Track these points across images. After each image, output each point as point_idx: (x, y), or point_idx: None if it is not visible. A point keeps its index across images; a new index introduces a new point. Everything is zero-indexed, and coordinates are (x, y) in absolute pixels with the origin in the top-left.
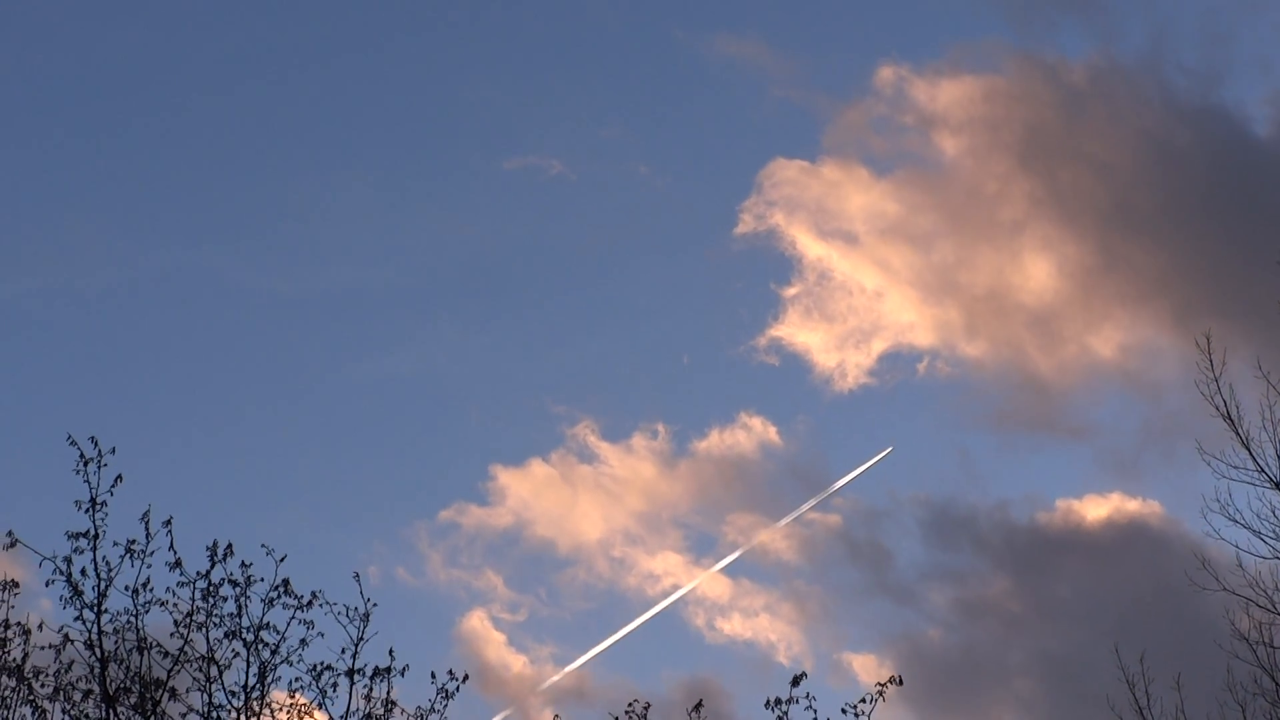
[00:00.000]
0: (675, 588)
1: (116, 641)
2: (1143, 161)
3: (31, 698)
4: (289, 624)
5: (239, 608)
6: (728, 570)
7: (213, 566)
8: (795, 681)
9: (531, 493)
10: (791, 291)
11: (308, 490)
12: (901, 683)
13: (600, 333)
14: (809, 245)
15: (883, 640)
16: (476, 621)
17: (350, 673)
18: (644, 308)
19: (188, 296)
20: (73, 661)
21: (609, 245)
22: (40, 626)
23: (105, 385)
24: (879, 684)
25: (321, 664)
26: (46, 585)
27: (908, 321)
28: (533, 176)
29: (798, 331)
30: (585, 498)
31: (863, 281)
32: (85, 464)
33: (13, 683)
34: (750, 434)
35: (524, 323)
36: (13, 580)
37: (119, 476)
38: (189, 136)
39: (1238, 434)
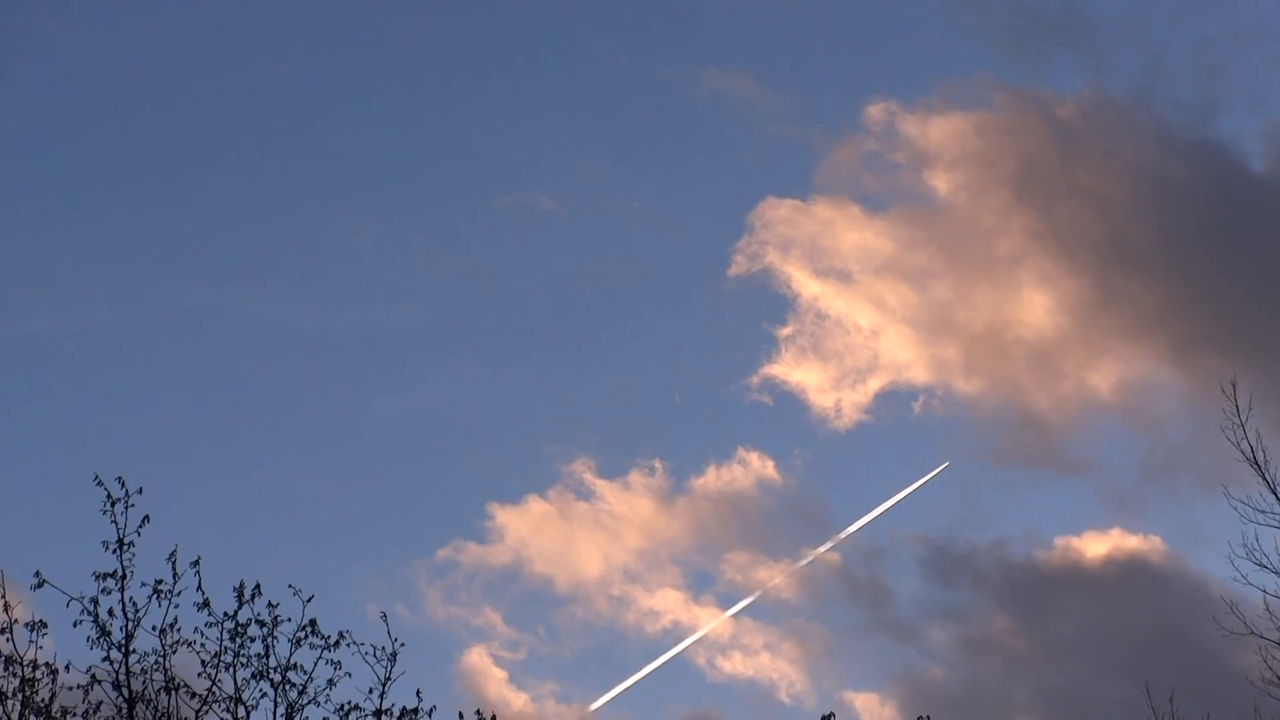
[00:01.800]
0: (676, 624)
1: (144, 682)
2: (1139, 196)
3: None
4: (316, 664)
5: (266, 648)
6: (727, 609)
7: (240, 607)
8: None
9: (530, 530)
10: (786, 331)
11: (306, 528)
12: None
13: (596, 370)
14: (804, 284)
15: (885, 678)
16: (476, 658)
17: (378, 713)
18: (640, 344)
19: (214, 335)
20: (101, 702)
21: (604, 282)
22: (68, 667)
23: (132, 424)
24: None
25: (349, 703)
26: (74, 626)
27: (904, 359)
28: (522, 213)
29: (793, 370)
30: (583, 535)
31: (858, 320)
32: (112, 504)
33: None
34: (748, 470)
35: (519, 360)
36: (41, 621)
37: (146, 517)
38: (218, 180)
39: (1264, 478)
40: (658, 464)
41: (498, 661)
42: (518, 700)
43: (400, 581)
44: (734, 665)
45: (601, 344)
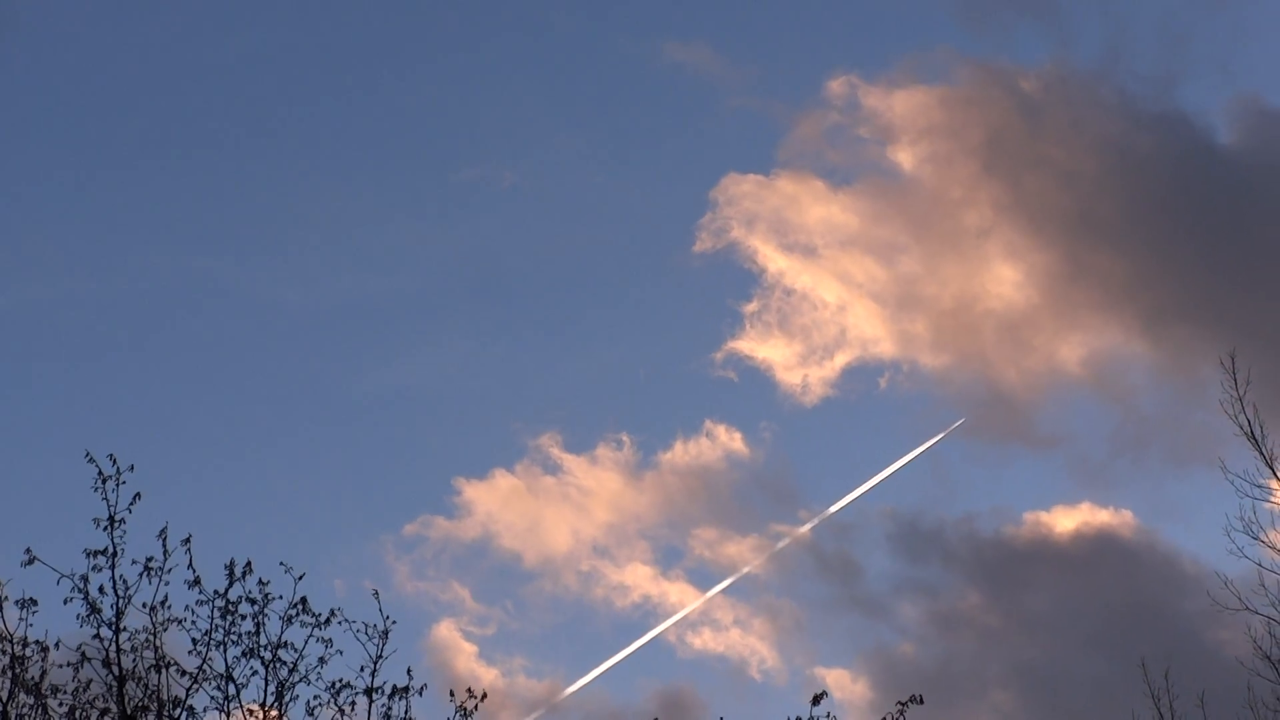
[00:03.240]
0: (645, 599)
1: (134, 660)
2: (1106, 168)
3: (48, 717)
4: (307, 642)
5: (257, 626)
6: (696, 583)
7: (231, 584)
8: (816, 700)
9: (497, 505)
10: (752, 306)
11: (278, 505)
12: (922, 701)
13: (562, 345)
14: (770, 258)
15: (855, 654)
16: (445, 633)
17: (369, 691)
18: (606, 320)
19: (197, 309)
20: (91, 680)
21: (568, 258)
22: (58, 644)
23: (117, 396)
24: (899, 702)
25: (340, 681)
26: (64, 603)
27: (871, 334)
28: (484, 188)
29: (760, 346)
30: (550, 510)
31: (824, 295)
32: (104, 481)
33: (30, 700)
34: (715, 443)
35: (484, 336)
36: (31, 598)
37: (137, 494)
38: (199, 155)
39: (1261, 453)
40: (625, 438)
41: (467, 636)
42: (487, 675)
43: (368, 557)
44: (704, 641)
45: (567, 319)
